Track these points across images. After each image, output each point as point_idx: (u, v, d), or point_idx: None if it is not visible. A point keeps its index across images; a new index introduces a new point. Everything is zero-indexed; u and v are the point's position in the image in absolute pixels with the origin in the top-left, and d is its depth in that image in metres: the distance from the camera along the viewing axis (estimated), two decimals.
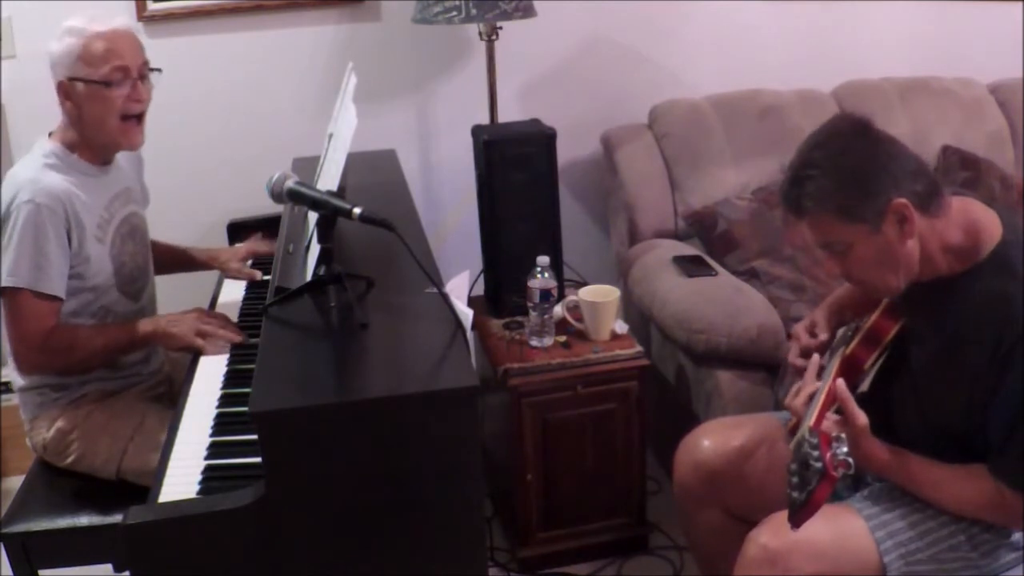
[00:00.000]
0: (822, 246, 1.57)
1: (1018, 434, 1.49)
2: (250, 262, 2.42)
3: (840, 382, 1.54)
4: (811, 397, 1.56)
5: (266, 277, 2.33)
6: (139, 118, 1.98)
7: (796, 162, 1.55)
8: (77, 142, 1.97)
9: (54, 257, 1.87)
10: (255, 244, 2.49)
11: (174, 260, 2.39)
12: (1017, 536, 1.62)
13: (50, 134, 2.00)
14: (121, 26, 1.95)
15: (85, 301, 1.98)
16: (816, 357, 1.67)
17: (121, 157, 2.11)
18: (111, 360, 2.03)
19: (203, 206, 2.90)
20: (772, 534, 1.59)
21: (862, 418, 1.52)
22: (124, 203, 2.08)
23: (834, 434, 1.39)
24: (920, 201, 1.51)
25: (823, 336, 1.80)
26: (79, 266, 1.93)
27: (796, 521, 1.38)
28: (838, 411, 1.54)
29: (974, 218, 1.57)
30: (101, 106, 1.92)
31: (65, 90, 1.92)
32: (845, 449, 1.36)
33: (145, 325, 1.98)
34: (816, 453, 1.35)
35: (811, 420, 1.46)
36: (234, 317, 2.17)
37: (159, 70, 2.01)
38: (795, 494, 1.36)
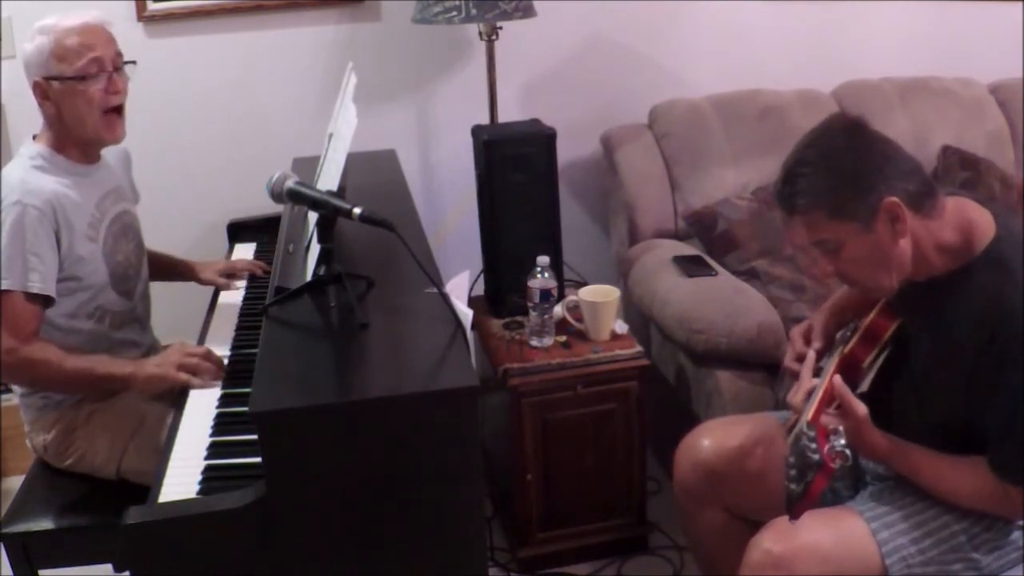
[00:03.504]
0: (815, 244, 1.57)
1: (1015, 430, 1.49)
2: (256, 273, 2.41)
3: (837, 378, 1.54)
4: (809, 394, 1.57)
5: (265, 277, 2.34)
6: (118, 110, 1.97)
7: (790, 160, 1.56)
8: (61, 142, 1.96)
9: (45, 257, 1.85)
10: (234, 262, 2.48)
11: (164, 268, 2.36)
12: (1017, 535, 1.63)
13: (34, 137, 1.99)
14: (92, 20, 1.93)
15: (81, 301, 1.97)
16: (812, 354, 1.67)
17: (109, 155, 2.11)
18: (83, 390, 1.98)
19: (203, 206, 2.90)
20: (776, 539, 1.59)
21: (862, 408, 1.52)
22: (115, 201, 2.07)
23: (832, 427, 1.40)
24: (912, 201, 1.51)
25: (817, 345, 1.79)
26: (72, 267, 1.92)
27: (794, 513, 1.39)
28: (837, 407, 1.54)
29: (967, 216, 1.57)
30: (79, 102, 1.90)
31: (42, 90, 1.91)
32: (843, 441, 1.37)
33: (127, 366, 1.90)
34: (814, 446, 1.36)
35: (809, 414, 1.47)
36: (234, 317, 2.17)
37: (133, 62, 1.99)
38: (792, 486, 1.37)
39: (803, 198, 1.52)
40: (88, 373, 1.87)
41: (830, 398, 1.54)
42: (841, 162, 1.51)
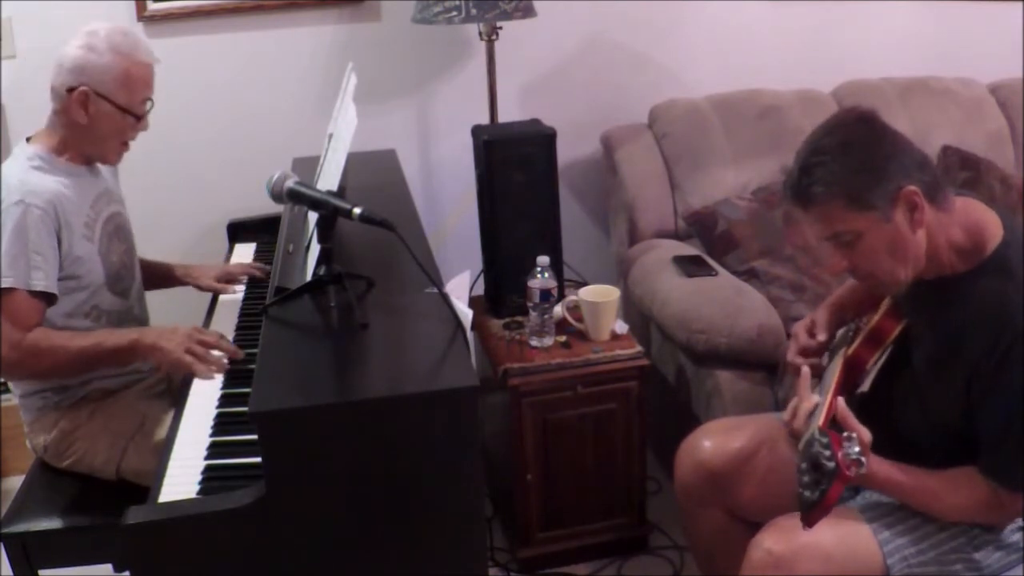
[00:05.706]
0: (829, 238, 1.55)
1: (1010, 434, 1.49)
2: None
3: (840, 402, 1.52)
4: (810, 414, 1.54)
5: (264, 278, 2.34)
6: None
7: (804, 152, 1.54)
8: (66, 146, 1.97)
9: (47, 256, 1.86)
10: (231, 267, 2.47)
11: (160, 276, 2.36)
12: (1016, 536, 1.63)
13: (28, 139, 1.99)
14: (153, 59, 1.98)
15: (79, 301, 1.97)
16: (806, 370, 1.62)
17: None
18: (94, 369, 1.97)
19: (203, 206, 2.90)
20: (777, 539, 1.59)
21: (866, 435, 1.50)
22: (107, 202, 2.08)
23: (845, 433, 1.39)
24: (928, 191, 1.51)
25: (822, 337, 1.79)
26: (71, 266, 1.92)
27: (809, 520, 1.38)
28: (836, 427, 1.51)
29: (976, 218, 1.57)
30: (114, 128, 1.95)
31: (85, 98, 1.90)
32: (857, 448, 1.36)
33: (131, 332, 1.90)
34: (828, 452, 1.34)
35: (819, 420, 1.46)
36: (234, 317, 2.17)
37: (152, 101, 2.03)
38: (807, 493, 1.35)
39: (821, 187, 1.50)
40: (96, 348, 1.87)
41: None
42: (859, 151, 1.50)
